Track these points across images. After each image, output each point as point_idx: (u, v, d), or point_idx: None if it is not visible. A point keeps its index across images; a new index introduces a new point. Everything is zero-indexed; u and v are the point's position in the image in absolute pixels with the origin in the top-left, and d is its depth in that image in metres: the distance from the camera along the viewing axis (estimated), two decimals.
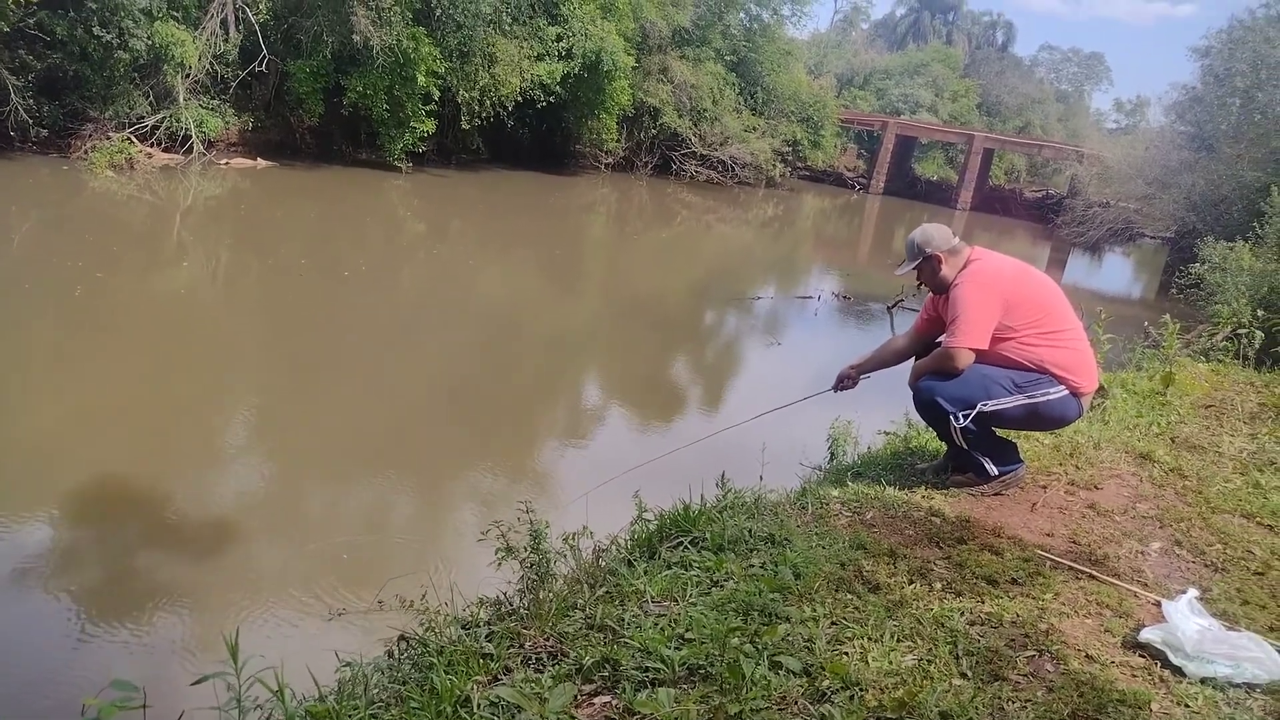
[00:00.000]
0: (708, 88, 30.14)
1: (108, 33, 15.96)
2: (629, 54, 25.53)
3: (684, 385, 10.02)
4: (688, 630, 2.52)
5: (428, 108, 21.57)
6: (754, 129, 32.40)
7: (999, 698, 2.26)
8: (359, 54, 19.54)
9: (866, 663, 2.38)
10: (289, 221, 16.24)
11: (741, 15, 32.66)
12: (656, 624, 2.58)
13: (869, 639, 2.51)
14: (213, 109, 19.31)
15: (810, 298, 14.95)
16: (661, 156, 31.18)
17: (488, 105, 22.91)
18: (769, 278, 18.16)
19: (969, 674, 2.36)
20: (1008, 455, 3.84)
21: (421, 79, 20.51)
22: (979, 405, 3.60)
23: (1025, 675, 2.39)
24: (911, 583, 2.89)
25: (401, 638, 2.82)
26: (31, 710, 3.62)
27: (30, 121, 15.99)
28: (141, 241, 13.16)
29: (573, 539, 3.45)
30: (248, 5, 19.06)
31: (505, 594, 3.29)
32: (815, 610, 2.65)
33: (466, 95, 22.38)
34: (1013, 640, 2.56)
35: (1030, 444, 4.45)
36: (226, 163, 19.51)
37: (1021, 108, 57.44)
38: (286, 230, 15.50)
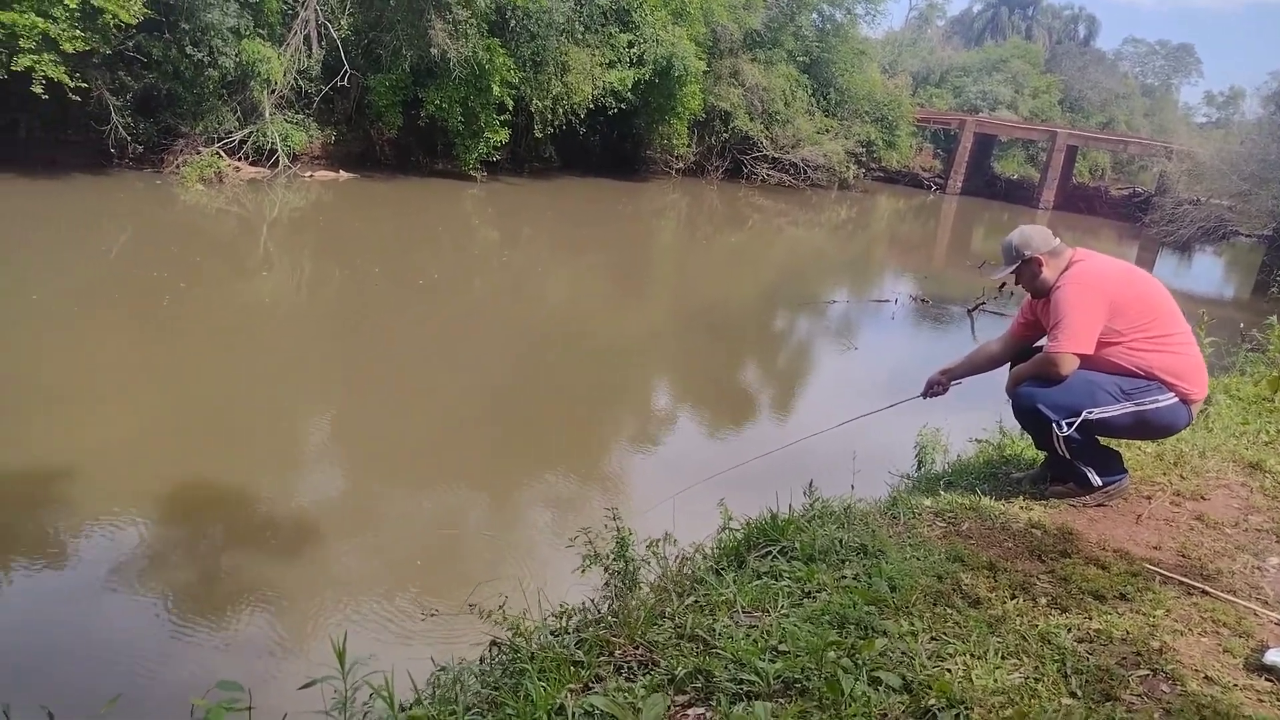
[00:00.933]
0: (779, 90, 29.91)
1: (199, 51, 16.62)
2: (700, 58, 25.51)
3: (759, 391, 9.92)
4: (781, 642, 2.47)
5: (501, 117, 21.90)
6: (827, 130, 32.04)
7: (1113, 719, 2.15)
8: (436, 66, 19.95)
9: (970, 680, 2.29)
10: (368, 232, 16.64)
11: (814, 16, 32.36)
12: (749, 635, 2.53)
13: (971, 655, 2.42)
14: (297, 123, 19.92)
15: (886, 301, 14.67)
16: (733, 160, 31.05)
17: (560, 113, 23.15)
18: (843, 281, 17.90)
19: (1079, 694, 2.26)
20: (1112, 465, 3.68)
21: (496, 89, 20.84)
22: (1084, 413, 3.46)
23: (1140, 696, 2.27)
24: (1014, 597, 2.78)
25: (494, 643, 2.82)
26: (138, 708, 3.75)
27: (128, 139, 16.74)
28: (228, 252, 13.64)
29: (657, 546, 3.43)
30: (329, 22, 19.62)
31: (592, 600, 3.28)
32: (913, 625, 2.57)
33: (539, 104, 22.64)
34: (1124, 659, 2.44)
35: (1131, 452, 4.26)
36: (310, 175, 20.11)
37: (1105, 103, 55.60)
38: (365, 240, 15.88)
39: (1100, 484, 3.63)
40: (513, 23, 21.05)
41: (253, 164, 19.11)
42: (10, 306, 9.35)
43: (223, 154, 18.41)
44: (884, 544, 3.11)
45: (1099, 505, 3.63)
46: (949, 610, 2.69)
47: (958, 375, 4.02)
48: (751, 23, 28.81)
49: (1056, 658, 2.41)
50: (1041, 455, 3.95)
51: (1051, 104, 50.71)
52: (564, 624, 2.98)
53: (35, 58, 13.85)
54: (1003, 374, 3.94)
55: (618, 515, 3.21)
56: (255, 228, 15.68)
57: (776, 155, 30.70)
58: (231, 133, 18.57)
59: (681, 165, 30.00)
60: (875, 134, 34.12)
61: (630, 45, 24.20)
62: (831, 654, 2.35)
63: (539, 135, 23.66)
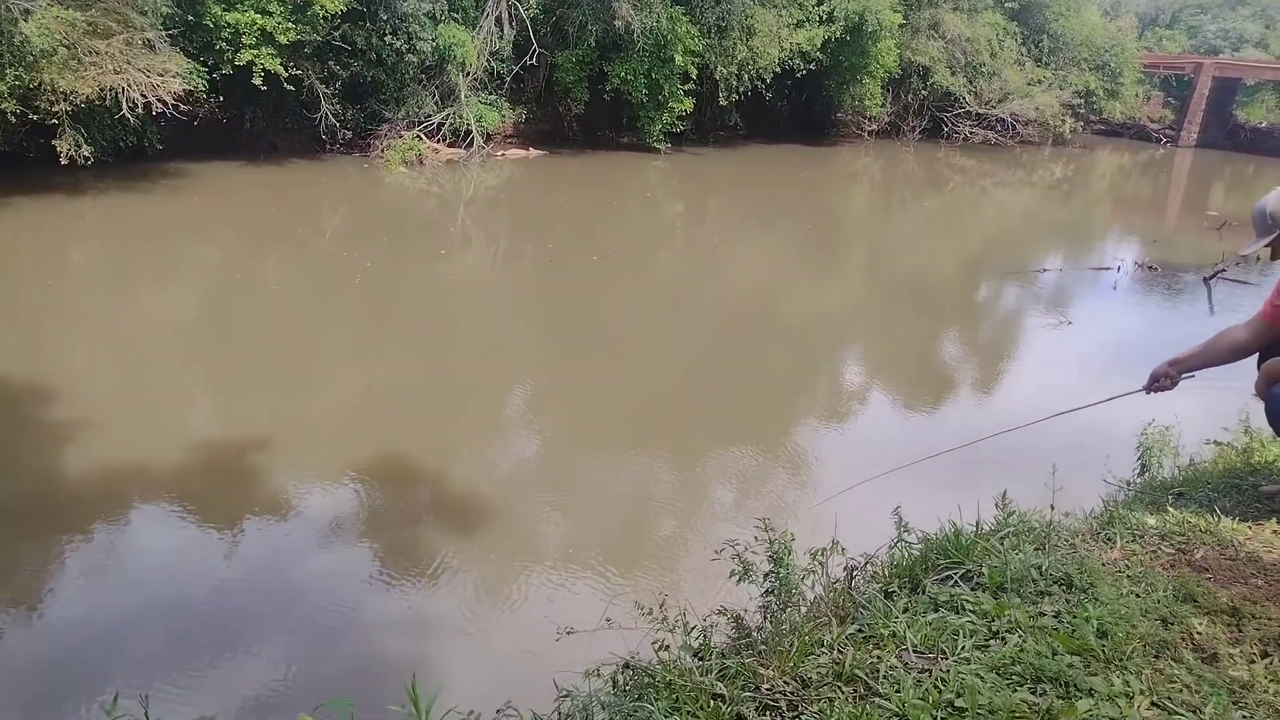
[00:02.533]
0: (985, 40, 27.75)
1: (398, 39, 17.43)
2: (896, 11, 24.07)
3: (956, 373, 9.15)
4: (958, 696, 2.07)
5: (685, 87, 21.61)
6: (1039, 81, 29.44)
7: None
8: (620, 39, 19.94)
9: None
10: (557, 208, 16.94)
11: None
12: (919, 683, 2.15)
13: None
14: (490, 104, 20.55)
15: (1108, 269, 13.22)
16: (931, 119, 29.21)
17: (745, 79, 22.55)
18: (1057, 247, 16.33)
19: None
20: None
21: (679, 58, 20.56)
22: None
23: None
24: (1265, 655, 2.22)
25: (626, 665, 2.59)
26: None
27: (337, 125, 17.87)
28: (429, 231, 14.25)
29: (821, 555, 3.07)
30: (519, 2, 20.02)
31: (745, 612, 2.99)
32: (1129, 684, 2.09)
33: (724, 71, 22.15)
34: None
35: None
36: (502, 154, 20.73)
37: None
38: (554, 216, 16.17)
39: None
40: None
41: (450, 145, 19.92)
42: (251, 285, 10.17)
43: (422, 136, 19.30)
44: (1094, 575, 2.60)
45: None
46: (1176, 667, 2.18)
47: (1190, 368, 3.33)
48: None
49: None
50: None
51: None
52: (708, 644, 2.70)
53: (255, 52, 15.02)
54: (1248, 366, 3.24)
55: (770, 526, 2.88)
56: (453, 207, 16.34)
57: (981, 111, 28.56)
58: (430, 116, 19.40)
59: (875, 127, 28.55)
60: (1095, 83, 31.03)
61: (819, 2, 23.16)
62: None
63: (724, 103, 23.19)
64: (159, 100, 13.11)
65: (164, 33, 13.78)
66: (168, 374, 7.55)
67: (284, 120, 18.20)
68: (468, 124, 19.73)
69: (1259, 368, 3.17)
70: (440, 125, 19.66)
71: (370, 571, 4.85)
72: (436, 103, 19.52)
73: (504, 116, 21.09)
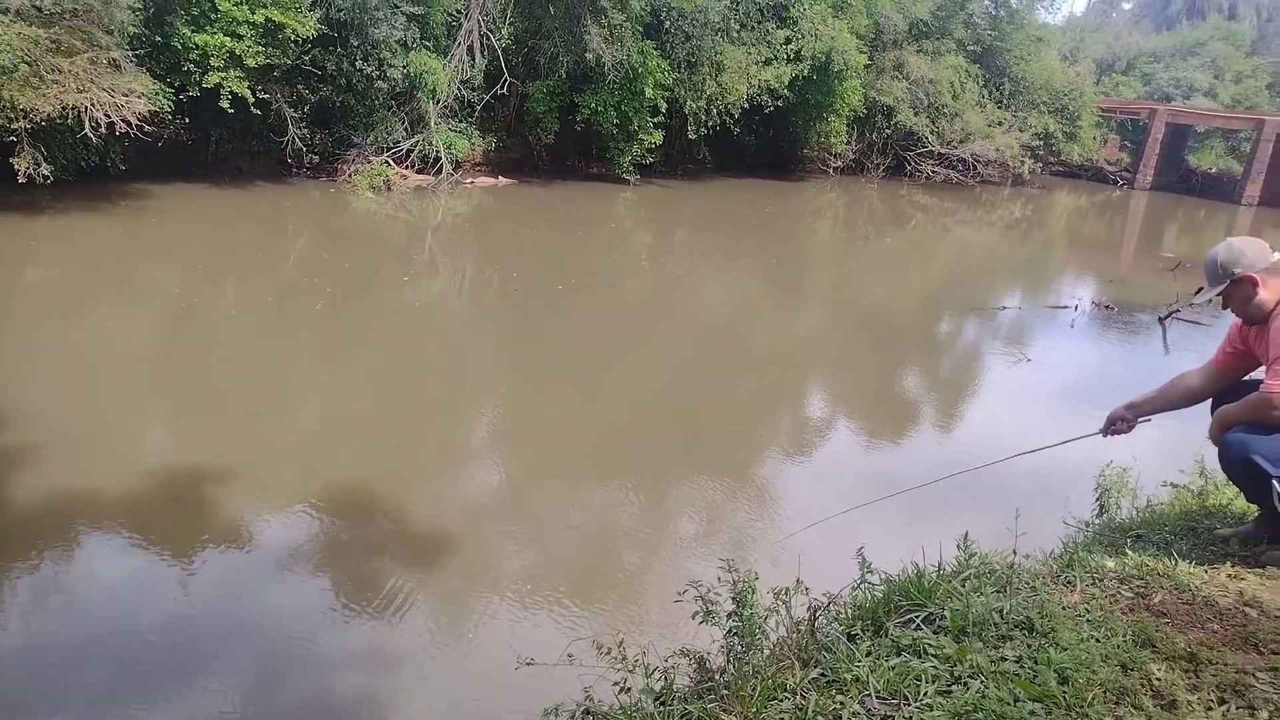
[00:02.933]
0: (947, 81, 28.36)
1: (369, 65, 17.41)
2: (861, 52, 24.51)
3: (918, 410, 9.23)
4: None
5: (655, 120, 21.81)
6: (999, 123, 30.11)
7: None
8: (591, 71, 20.10)
9: None
10: (525, 237, 16.92)
11: (986, 2, 30.54)
12: None
13: None
14: (460, 131, 20.54)
15: (1066, 307, 13.47)
16: (895, 157, 29.72)
17: (714, 114, 22.81)
18: (1016, 285, 16.62)
19: None
20: None
21: (649, 92, 20.76)
22: None
23: None
24: (1222, 703, 2.24)
25: (588, 712, 2.54)
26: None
27: (304, 149, 17.75)
28: (396, 257, 14.14)
29: (784, 594, 3.05)
30: (490, 31, 20.12)
31: (708, 654, 2.96)
32: None
33: (693, 105, 22.40)
34: None
35: None
36: (471, 182, 20.71)
37: None
38: (522, 245, 16.14)
39: None
40: (667, 24, 20.92)
41: (419, 171, 19.86)
42: (210, 310, 10.00)
43: (391, 163, 19.23)
44: (1054, 619, 2.61)
45: None
46: (1136, 715, 2.19)
47: (1147, 412, 3.41)
48: (918, 12, 27.46)
49: None
50: (1254, 508, 3.30)
51: (1258, 89, 45.69)
52: (670, 686, 2.67)
53: (223, 74, 14.89)
54: (1204, 410, 3.31)
55: (734, 567, 2.86)
56: (421, 233, 16.25)
57: (943, 151, 29.12)
58: (399, 142, 19.35)
59: (840, 164, 28.98)
60: (1054, 125, 31.80)
61: (787, 41, 23.55)
62: None
63: (692, 136, 23.41)
64: (123, 120, 12.93)
65: (130, 53, 13.63)
66: (122, 400, 7.38)
67: (250, 143, 18.04)
68: (437, 151, 19.70)
69: (1212, 413, 3.23)
70: (409, 152, 19.60)
71: (327, 603, 4.74)
72: (406, 129, 19.49)
73: (474, 144, 21.09)
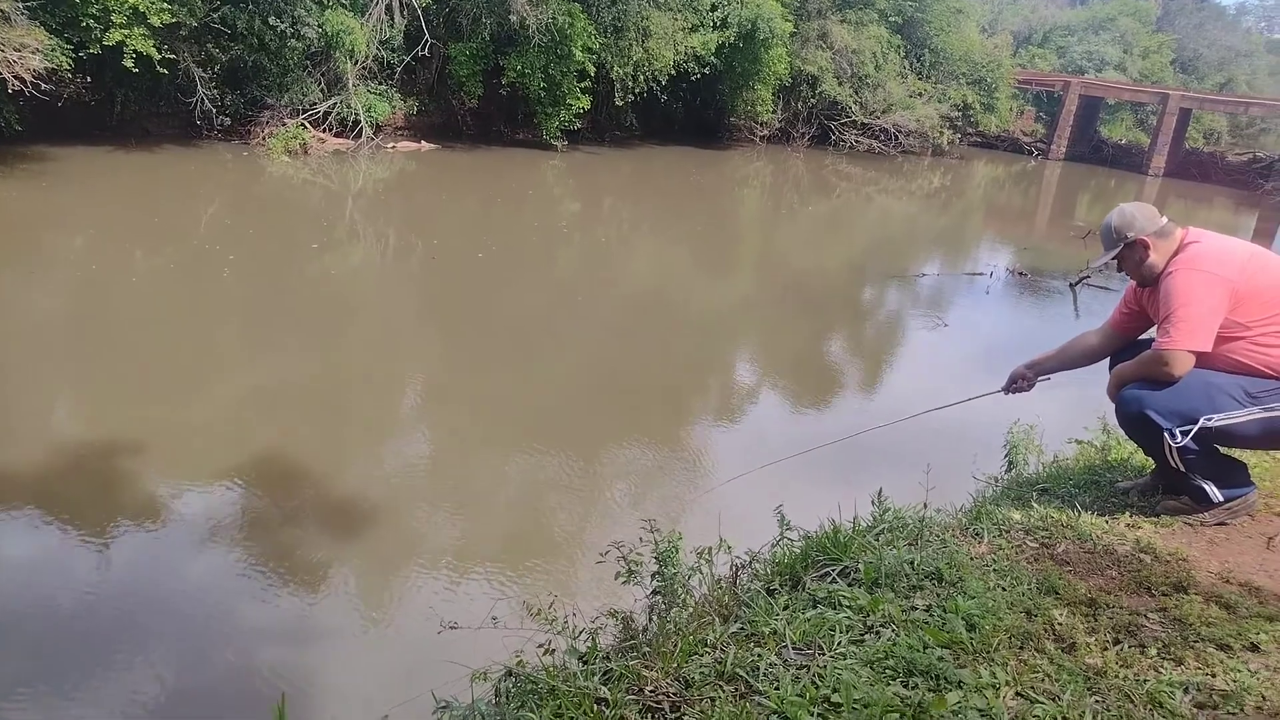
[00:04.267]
0: (870, 52, 28.66)
1: (282, 23, 16.75)
2: (786, 20, 24.59)
3: (839, 373, 9.42)
4: (834, 692, 2.12)
5: (582, 85, 21.54)
6: (920, 94, 30.63)
7: None
8: (516, 34, 19.72)
9: None
10: (450, 203, 16.61)
11: None
12: (797, 680, 2.19)
13: None
14: (380, 94, 19.98)
15: (982, 274, 13.87)
16: (820, 127, 30.00)
17: (641, 80, 22.65)
18: (935, 253, 17.03)
19: None
20: (1235, 477, 3.17)
21: (578, 54, 20.45)
22: (1201, 420, 2.97)
23: None
24: (1117, 642, 2.36)
25: (509, 672, 2.54)
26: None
27: (215, 110, 17.04)
28: (314, 224, 13.73)
29: (708, 554, 3.11)
30: None
31: (633, 614, 2.99)
32: (995, 675, 2.18)
33: (620, 71, 22.19)
34: None
35: (1260, 460, 3.72)
36: (393, 146, 20.19)
37: (1224, 62, 51.76)
38: (447, 212, 15.85)
39: (1221, 499, 3.14)
40: None
41: (337, 135, 19.27)
42: (115, 278, 9.56)
43: (307, 125, 18.61)
44: (963, 569, 2.70)
45: (1220, 525, 3.14)
46: (1039, 657, 2.29)
47: (1046, 370, 3.55)
48: None
49: None
50: (1151, 461, 3.47)
51: (1163, 64, 47.46)
52: (594, 647, 2.68)
53: (126, 32, 14.11)
54: (1105, 371, 3.45)
55: (655, 527, 2.88)
56: (340, 199, 15.79)
57: (866, 121, 29.49)
58: (316, 104, 18.72)
59: (766, 132, 29.13)
60: (972, 97, 32.49)
61: (713, 8, 23.47)
62: (895, 716, 1.99)
63: (620, 103, 23.23)
64: (15, 78, 12.21)
65: (21, 4, 12.83)
66: (23, 372, 7.03)
67: (158, 104, 17.22)
68: (356, 114, 19.14)
69: (1110, 371, 3.37)
70: (326, 114, 19.00)
71: (248, 576, 4.63)
72: (322, 90, 18.85)
73: (394, 108, 20.55)
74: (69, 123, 15.54)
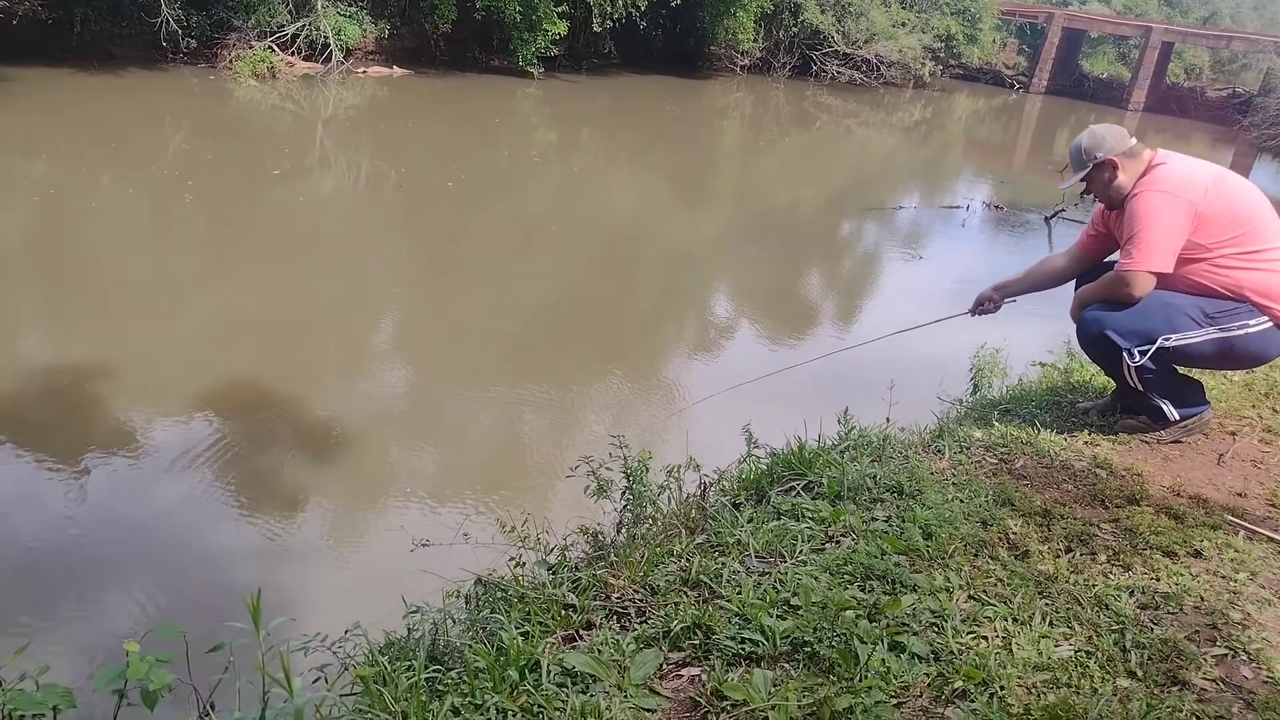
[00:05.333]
0: None
1: None
2: None
3: (814, 302, 9.47)
4: (794, 595, 2.18)
5: (559, 9, 20.99)
6: (903, 24, 30.15)
7: (1179, 710, 1.82)
8: None
9: (1010, 651, 1.98)
10: (422, 131, 16.29)
11: None
12: (758, 585, 2.25)
13: (1014, 620, 2.10)
14: (350, 16, 19.36)
15: (959, 207, 13.87)
16: (801, 57, 29.49)
17: (619, 5, 22.10)
18: (913, 186, 16.98)
19: (1139, 674, 1.93)
20: (1191, 396, 3.25)
21: None
22: (1159, 340, 3.03)
23: (1214, 681, 1.93)
24: (1069, 550, 2.44)
25: (479, 580, 2.60)
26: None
27: (180, 32, 16.47)
28: (282, 152, 13.44)
29: (676, 471, 3.16)
30: None
31: (601, 529, 3.05)
32: (949, 579, 2.26)
33: None
34: (1196, 632, 2.10)
35: (1216, 382, 3.81)
36: (364, 71, 19.66)
37: None
38: (420, 140, 15.56)
39: (1177, 418, 3.22)
40: None
41: (306, 59, 18.70)
42: (76, 203, 9.35)
43: (275, 49, 18.05)
44: (923, 482, 2.77)
45: (1175, 442, 3.23)
46: (992, 563, 2.37)
47: (1013, 292, 3.59)
48: None
49: (1115, 628, 2.08)
50: (1112, 383, 3.54)
51: None
52: (564, 558, 2.75)
53: None
54: (1069, 291, 3.50)
55: (625, 443, 2.92)
56: (310, 125, 15.44)
57: (848, 51, 29.01)
58: (284, 26, 18.14)
59: (746, 62, 28.61)
60: (956, 27, 32.01)
61: None
62: (850, 613, 2.06)
63: (598, 29, 22.66)
64: None
65: None
66: None
67: (120, 24, 16.56)
68: (325, 37, 18.57)
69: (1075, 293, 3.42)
70: (295, 37, 18.43)
71: (221, 502, 4.65)
72: (290, 12, 18.23)
73: (365, 31, 19.93)
74: (26, 42, 14.97)
